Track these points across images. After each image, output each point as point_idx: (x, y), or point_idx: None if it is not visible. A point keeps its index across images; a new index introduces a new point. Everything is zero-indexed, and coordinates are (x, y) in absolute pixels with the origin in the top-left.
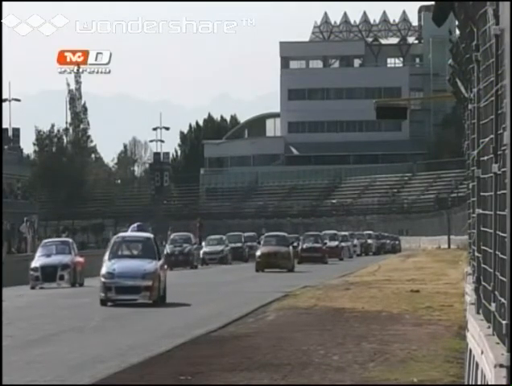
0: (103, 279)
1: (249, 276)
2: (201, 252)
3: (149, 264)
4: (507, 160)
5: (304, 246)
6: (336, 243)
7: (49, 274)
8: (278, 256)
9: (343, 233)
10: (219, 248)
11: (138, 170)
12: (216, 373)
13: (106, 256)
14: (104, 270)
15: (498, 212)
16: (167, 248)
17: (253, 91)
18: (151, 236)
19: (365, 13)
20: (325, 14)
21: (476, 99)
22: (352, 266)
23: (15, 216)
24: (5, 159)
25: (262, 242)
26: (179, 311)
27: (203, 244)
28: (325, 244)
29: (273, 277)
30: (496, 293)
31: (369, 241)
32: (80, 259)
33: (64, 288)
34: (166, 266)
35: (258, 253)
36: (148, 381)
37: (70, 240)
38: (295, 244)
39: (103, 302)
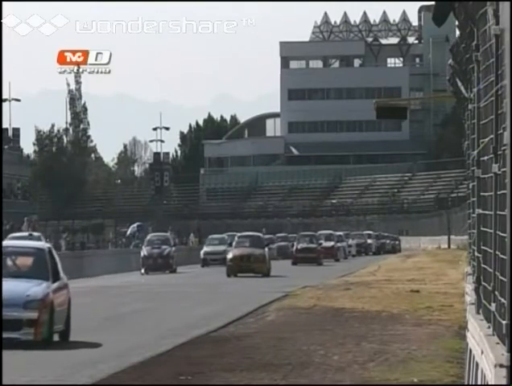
0: None
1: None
2: (201, 252)
3: (36, 288)
4: (507, 160)
5: (299, 246)
6: (331, 243)
7: None
8: (251, 260)
9: (338, 233)
10: (221, 248)
11: (138, 170)
12: (216, 373)
13: None
14: None
15: (498, 212)
16: (144, 250)
17: (253, 91)
18: (45, 246)
19: (365, 13)
20: (325, 14)
21: (476, 99)
22: (348, 268)
23: (15, 216)
24: (5, 159)
25: (234, 243)
26: (178, 311)
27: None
28: (320, 244)
29: (272, 277)
30: (496, 293)
31: (369, 241)
32: None
33: None
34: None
35: (230, 256)
36: (148, 381)
37: None
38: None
39: None
